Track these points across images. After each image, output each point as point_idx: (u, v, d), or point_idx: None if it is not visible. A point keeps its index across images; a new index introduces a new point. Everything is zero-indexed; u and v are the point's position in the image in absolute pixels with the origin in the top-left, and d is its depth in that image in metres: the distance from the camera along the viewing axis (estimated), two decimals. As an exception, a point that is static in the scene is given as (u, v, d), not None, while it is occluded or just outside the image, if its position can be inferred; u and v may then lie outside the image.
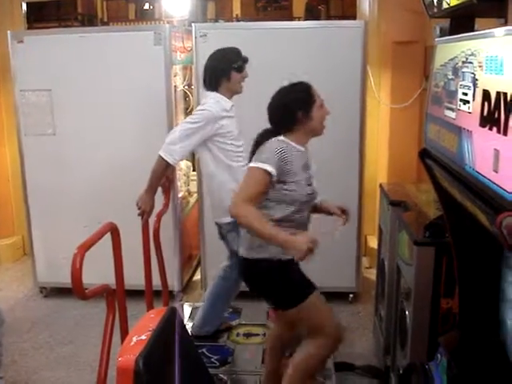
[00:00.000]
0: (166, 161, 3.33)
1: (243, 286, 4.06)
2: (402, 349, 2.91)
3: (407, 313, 2.79)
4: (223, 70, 3.35)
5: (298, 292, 2.61)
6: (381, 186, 3.74)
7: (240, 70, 3.37)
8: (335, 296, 4.46)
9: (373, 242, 5.08)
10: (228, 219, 3.24)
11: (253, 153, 2.63)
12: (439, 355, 2.25)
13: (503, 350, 2.05)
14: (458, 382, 2.01)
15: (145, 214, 3.42)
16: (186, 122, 3.40)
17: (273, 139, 2.57)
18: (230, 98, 3.43)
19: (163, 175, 3.46)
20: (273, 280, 2.59)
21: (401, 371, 2.83)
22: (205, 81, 3.45)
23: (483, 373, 1.99)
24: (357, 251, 4.48)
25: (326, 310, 2.72)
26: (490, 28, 1.54)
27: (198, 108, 3.45)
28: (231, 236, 3.39)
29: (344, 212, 2.91)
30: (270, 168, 2.44)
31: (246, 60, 3.39)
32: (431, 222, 2.68)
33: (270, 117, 2.65)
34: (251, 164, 2.51)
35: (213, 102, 3.39)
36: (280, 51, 4.15)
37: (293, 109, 2.58)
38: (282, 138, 2.58)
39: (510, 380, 1.90)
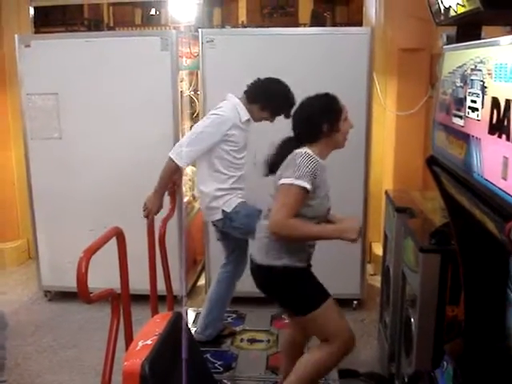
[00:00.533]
0: (175, 163, 3.34)
1: (248, 292, 4.10)
2: (406, 356, 2.90)
3: (412, 320, 2.78)
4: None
5: (312, 299, 2.61)
6: (386, 192, 3.74)
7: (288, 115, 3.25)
8: (339, 302, 4.40)
9: (377, 249, 5.07)
10: (219, 216, 3.45)
11: (273, 164, 2.62)
12: (445, 363, 2.25)
13: (509, 357, 2.04)
14: (464, 390, 2.01)
15: (150, 214, 3.42)
16: (198, 126, 3.42)
17: (300, 152, 2.52)
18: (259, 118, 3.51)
19: (172, 177, 3.48)
20: (288, 287, 2.60)
21: (406, 379, 2.83)
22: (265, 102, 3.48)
23: (489, 381, 1.98)
24: (361, 258, 4.47)
25: (339, 317, 2.72)
26: (496, 36, 1.55)
27: (212, 111, 3.46)
28: (226, 226, 3.50)
29: None
30: (307, 185, 2.43)
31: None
32: (437, 229, 2.68)
33: (294, 127, 2.63)
34: (286, 181, 2.45)
35: (229, 107, 3.42)
36: (286, 57, 4.15)
37: (318, 121, 2.57)
38: (308, 150, 2.53)
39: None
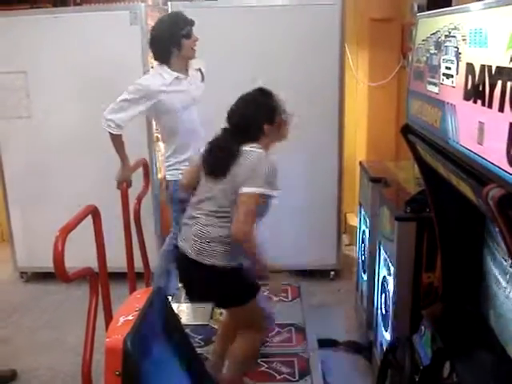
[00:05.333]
0: (117, 135, 3.32)
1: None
2: (384, 324, 2.94)
3: (389, 288, 2.82)
4: (172, 40, 3.22)
5: (246, 294, 2.64)
6: (361, 163, 3.77)
7: (188, 36, 3.24)
8: (316, 274, 4.51)
9: (352, 220, 5.12)
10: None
11: (210, 153, 2.58)
12: (423, 327, 2.29)
13: (485, 321, 2.09)
14: (442, 353, 2.05)
15: (119, 184, 3.40)
16: (122, 95, 3.32)
17: (256, 152, 2.48)
18: (184, 66, 3.33)
19: (121, 144, 3.40)
20: (225, 284, 2.59)
21: (384, 346, 2.88)
22: (154, 53, 3.35)
23: (467, 344, 2.03)
24: (337, 229, 4.51)
25: (261, 308, 2.77)
26: (468, 3, 1.55)
27: (136, 81, 3.36)
28: (168, 193, 3.49)
29: None
30: (269, 192, 2.43)
31: (192, 23, 3.26)
32: (412, 198, 2.70)
33: (235, 124, 2.57)
34: (259, 190, 2.41)
35: (151, 75, 3.37)
36: (257, 30, 4.12)
37: (258, 121, 2.54)
38: (260, 150, 2.50)
39: (493, 350, 1.94)
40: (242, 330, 2.75)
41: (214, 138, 2.63)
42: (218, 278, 2.56)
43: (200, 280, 2.62)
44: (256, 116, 2.55)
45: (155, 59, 3.36)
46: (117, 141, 3.35)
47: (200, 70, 3.46)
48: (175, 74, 3.28)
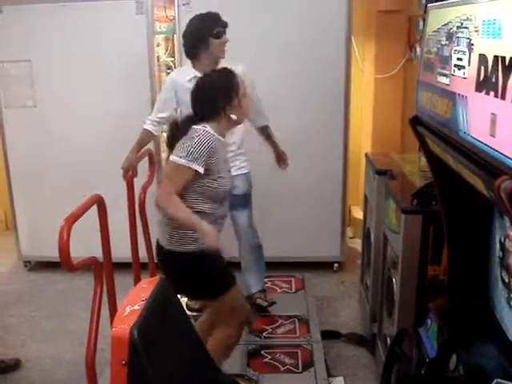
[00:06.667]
0: (145, 129, 3.45)
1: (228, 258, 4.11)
2: (389, 316, 2.94)
3: (394, 281, 2.82)
4: (201, 38, 3.26)
5: (219, 285, 2.59)
6: (366, 155, 3.75)
7: (219, 36, 3.26)
8: (320, 266, 4.51)
9: (356, 212, 5.11)
10: None
11: (172, 137, 2.56)
12: (429, 320, 2.29)
13: (492, 313, 2.09)
14: (448, 346, 2.04)
15: (124, 172, 3.41)
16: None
17: (198, 129, 2.45)
18: (212, 65, 3.31)
19: (145, 141, 3.51)
20: (193, 273, 2.55)
21: (388, 338, 2.87)
22: (185, 49, 3.39)
23: (473, 337, 2.02)
24: (341, 221, 4.50)
25: (241, 303, 2.75)
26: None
27: None
28: None
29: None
30: (199, 168, 2.38)
31: (225, 25, 3.29)
32: (418, 191, 2.70)
33: (193, 104, 2.58)
34: (179, 161, 2.38)
35: (177, 70, 3.52)
36: (264, 20, 4.10)
37: (215, 99, 2.51)
38: (207, 128, 2.47)
39: (499, 343, 1.93)
40: (218, 326, 2.70)
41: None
42: (178, 265, 2.55)
43: (165, 268, 2.63)
44: (212, 96, 2.53)
45: (186, 55, 3.41)
46: (144, 136, 3.49)
47: None
48: (197, 73, 3.26)
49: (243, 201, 3.48)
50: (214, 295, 2.58)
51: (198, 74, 3.24)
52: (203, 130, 2.44)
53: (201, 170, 2.39)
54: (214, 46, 3.27)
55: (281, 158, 3.71)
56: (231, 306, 2.63)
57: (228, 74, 2.61)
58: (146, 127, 3.45)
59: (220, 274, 2.61)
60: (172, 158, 2.42)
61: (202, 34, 3.26)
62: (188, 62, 3.40)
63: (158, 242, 2.64)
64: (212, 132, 2.46)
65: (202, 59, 3.31)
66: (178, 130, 2.57)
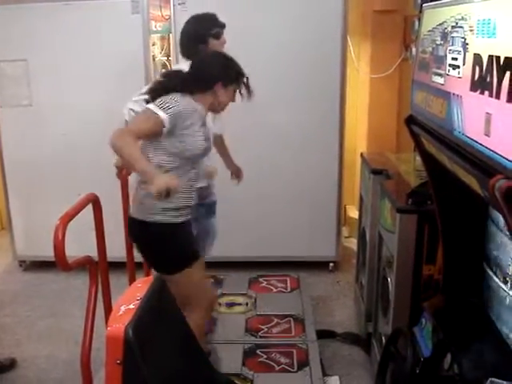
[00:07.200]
0: None
1: (224, 257, 4.11)
2: (384, 315, 2.95)
3: (389, 280, 2.83)
4: (200, 38, 3.23)
5: (177, 261, 2.57)
6: (362, 155, 3.76)
7: (217, 36, 3.26)
8: (315, 265, 4.51)
9: (352, 212, 5.12)
10: None
11: (154, 90, 2.55)
12: (424, 320, 2.29)
13: (487, 312, 2.09)
14: (443, 345, 2.05)
15: (122, 171, 3.37)
16: None
17: (179, 96, 2.46)
18: None
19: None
20: (158, 244, 2.56)
21: (383, 337, 2.88)
22: (181, 49, 3.36)
23: (468, 336, 2.03)
24: (337, 220, 4.50)
25: (201, 283, 2.74)
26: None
27: None
28: None
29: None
30: (165, 117, 2.36)
31: (223, 26, 3.28)
32: (413, 190, 2.70)
33: (191, 68, 2.61)
34: (151, 106, 2.40)
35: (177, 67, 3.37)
36: (260, 20, 4.10)
37: (215, 79, 2.55)
38: (188, 98, 2.50)
39: (494, 342, 1.94)
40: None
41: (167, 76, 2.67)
42: (139, 233, 2.58)
43: (133, 237, 2.68)
44: (214, 69, 2.57)
45: (182, 54, 3.36)
46: None
47: None
48: None
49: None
50: (169, 270, 2.53)
51: None
52: (182, 98, 2.47)
53: (165, 120, 2.36)
54: (213, 47, 3.27)
55: (237, 175, 3.51)
56: (189, 285, 2.59)
57: (237, 63, 2.64)
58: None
59: (182, 250, 2.59)
60: (147, 105, 2.43)
61: (202, 35, 3.24)
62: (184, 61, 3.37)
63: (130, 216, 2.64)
64: (192, 102, 2.50)
65: None
66: (159, 84, 2.59)
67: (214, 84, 2.55)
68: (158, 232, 2.53)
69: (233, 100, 2.67)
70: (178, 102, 2.42)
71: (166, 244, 2.57)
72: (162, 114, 2.36)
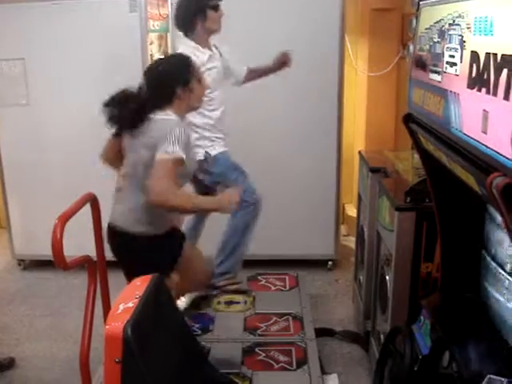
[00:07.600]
0: None
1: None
2: (382, 313, 2.95)
3: (388, 278, 2.83)
4: (199, 10, 3.20)
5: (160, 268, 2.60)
6: (360, 153, 3.75)
7: (216, 8, 3.23)
8: (314, 263, 4.51)
9: (350, 210, 5.12)
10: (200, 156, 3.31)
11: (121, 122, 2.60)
12: (422, 318, 2.30)
13: (485, 310, 2.10)
14: (441, 343, 2.05)
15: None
16: None
17: (166, 119, 2.47)
18: (206, 39, 3.31)
19: None
20: (140, 255, 2.57)
21: (382, 335, 2.88)
22: (178, 21, 3.30)
23: (466, 334, 2.03)
24: (335, 219, 4.50)
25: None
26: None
27: None
28: (203, 169, 3.36)
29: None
30: (184, 155, 2.39)
31: None
32: (412, 188, 2.70)
33: (148, 87, 2.55)
34: (165, 156, 2.36)
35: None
36: (258, 18, 4.10)
37: (172, 85, 2.51)
38: (172, 116, 2.49)
39: (493, 339, 1.94)
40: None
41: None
42: (130, 246, 2.60)
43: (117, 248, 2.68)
44: (170, 77, 2.53)
45: (178, 29, 3.31)
46: None
47: (215, 45, 3.43)
48: (208, 51, 3.25)
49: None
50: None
51: (212, 52, 3.27)
52: (169, 120, 2.47)
53: (184, 156, 2.39)
54: (211, 19, 3.22)
55: (282, 60, 3.55)
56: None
57: (184, 58, 2.62)
58: None
59: (159, 261, 2.57)
60: (158, 156, 2.38)
61: (201, 6, 3.21)
62: (184, 45, 3.28)
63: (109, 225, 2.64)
64: (177, 119, 2.49)
65: (199, 31, 3.26)
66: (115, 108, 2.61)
67: (175, 91, 2.52)
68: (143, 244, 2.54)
69: (204, 88, 2.68)
70: (180, 132, 2.39)
71: (148, 254, 2.56)
72: (179, 155, 2.37)
